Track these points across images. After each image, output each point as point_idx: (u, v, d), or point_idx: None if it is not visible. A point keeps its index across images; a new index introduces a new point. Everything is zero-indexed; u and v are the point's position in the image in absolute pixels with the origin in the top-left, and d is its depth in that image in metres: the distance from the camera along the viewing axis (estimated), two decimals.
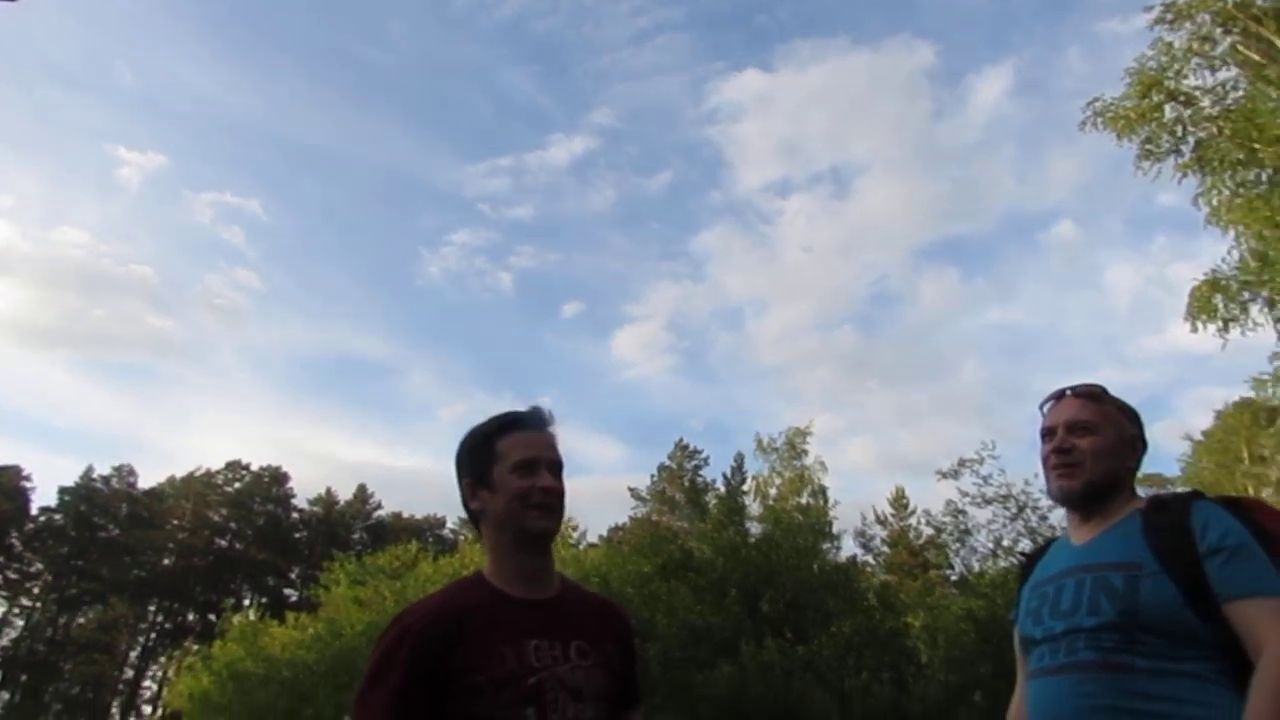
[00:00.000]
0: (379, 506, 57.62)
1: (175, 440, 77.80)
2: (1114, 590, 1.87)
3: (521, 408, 2.13)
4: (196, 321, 76.10)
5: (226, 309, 75.34)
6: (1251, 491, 21.88)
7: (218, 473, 54.50)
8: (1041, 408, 2.24)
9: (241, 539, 53.42)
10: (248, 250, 78.95)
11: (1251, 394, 13.70)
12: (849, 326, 69.75)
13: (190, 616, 50.73)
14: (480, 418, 2.16)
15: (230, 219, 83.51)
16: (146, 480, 53.94)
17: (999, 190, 68.34)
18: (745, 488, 18.37)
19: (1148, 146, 13.11)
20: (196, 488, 52.92)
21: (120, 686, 47.52)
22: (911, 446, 60.32)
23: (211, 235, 76.95)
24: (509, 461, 2.03)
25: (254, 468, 55.31)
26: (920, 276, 70.10)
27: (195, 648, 22.95)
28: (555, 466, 2.08)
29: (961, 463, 15.58)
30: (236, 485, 54.74)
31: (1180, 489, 2.23)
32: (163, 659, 46.57)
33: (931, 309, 68.53)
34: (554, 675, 1.91)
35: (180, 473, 54.59)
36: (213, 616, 46.48)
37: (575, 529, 24.49)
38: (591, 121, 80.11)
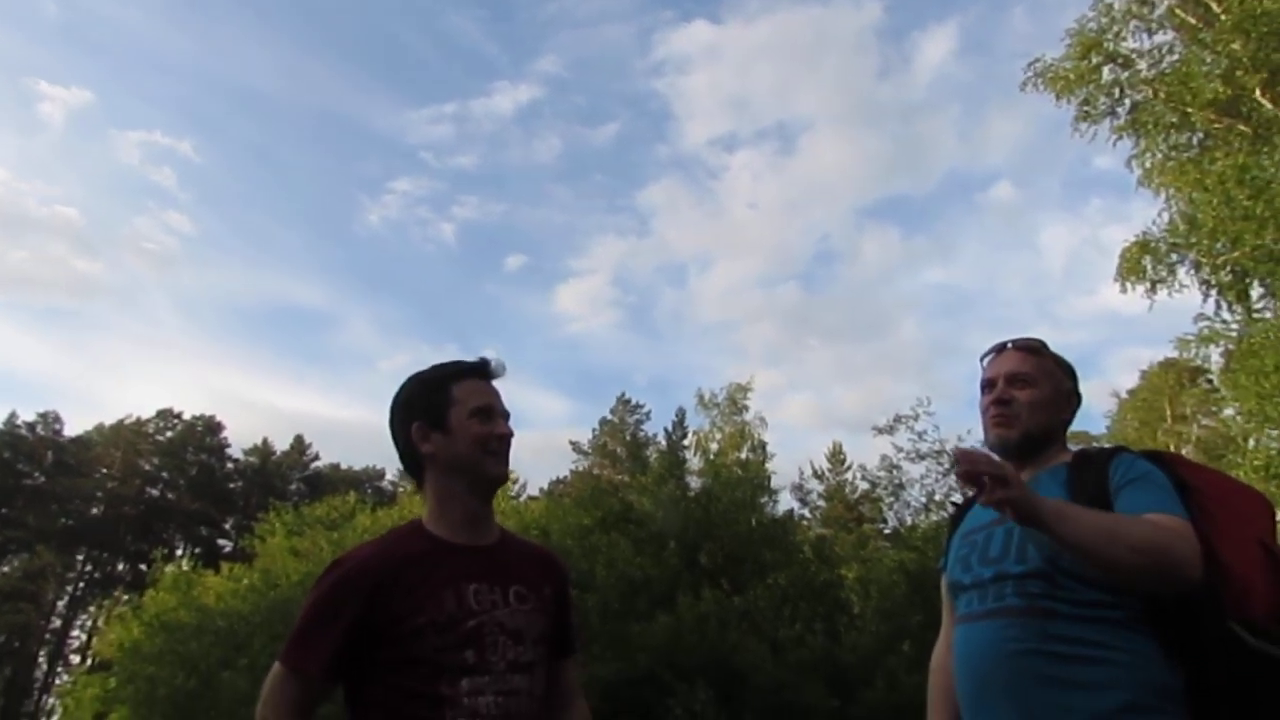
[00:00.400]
0: (316, 457, 56.95)
1: (104, 387, 75.65)
2: (1040, 538, 1.92)
3: (469, 359, 2.14)
4: (125, 265, 73.61)
5: (157, 253, 72.97)
6: (1173, 448, 22.71)
7: (148, 421, 53.26)
8: (982, 360, 2.27)
9: (174, 488, 52.43)
10: (179, 193, 76.37)
11: (1176, 354, 14.14)
12: (793, 284, 70.24)
13: (120, 566, 49.84)
14: (423, 368, 2.16)
15: (160, 160, 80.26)
16: (74, 428, 52.54)
17: (941, 150, 69.02)
18: (686, 442, 18.53)
19: (1085, 108, 13.32)
20: (126, 436, 51.70)
21: (47, 636, 46.63)
22: (850, 403, 61.35)
23: (140, 176, 74.16)
24: (467, 406, 2.04)
25: (186, 416, 54.18)
26: (863, 235, 70.74)
27: (125, 597, 22.61)
28: (507, 416, 2.11)
29: (897, 419, 15.92)
30: (168, 434, 53.58)
31: (1106, 445, 2.30)
32: (92, 608, 45.73)
33: (873, 267, 69.32)
34: (493, 619, 1.93)
35: (109, 421, 53.26)
36: (144, 566, 45.69)
37: (515, 481, 24.51)
38: (537, 70, 78.66)
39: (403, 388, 2.13)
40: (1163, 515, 1.81)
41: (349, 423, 74.59)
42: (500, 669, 1.90)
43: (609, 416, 35.79)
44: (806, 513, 20.84)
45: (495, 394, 2.11)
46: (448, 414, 2.03)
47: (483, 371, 2.12)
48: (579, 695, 2.24)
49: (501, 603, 1.96)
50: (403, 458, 2.11)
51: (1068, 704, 1.79)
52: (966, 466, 1.73)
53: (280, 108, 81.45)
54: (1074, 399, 2.22)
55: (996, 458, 1.80)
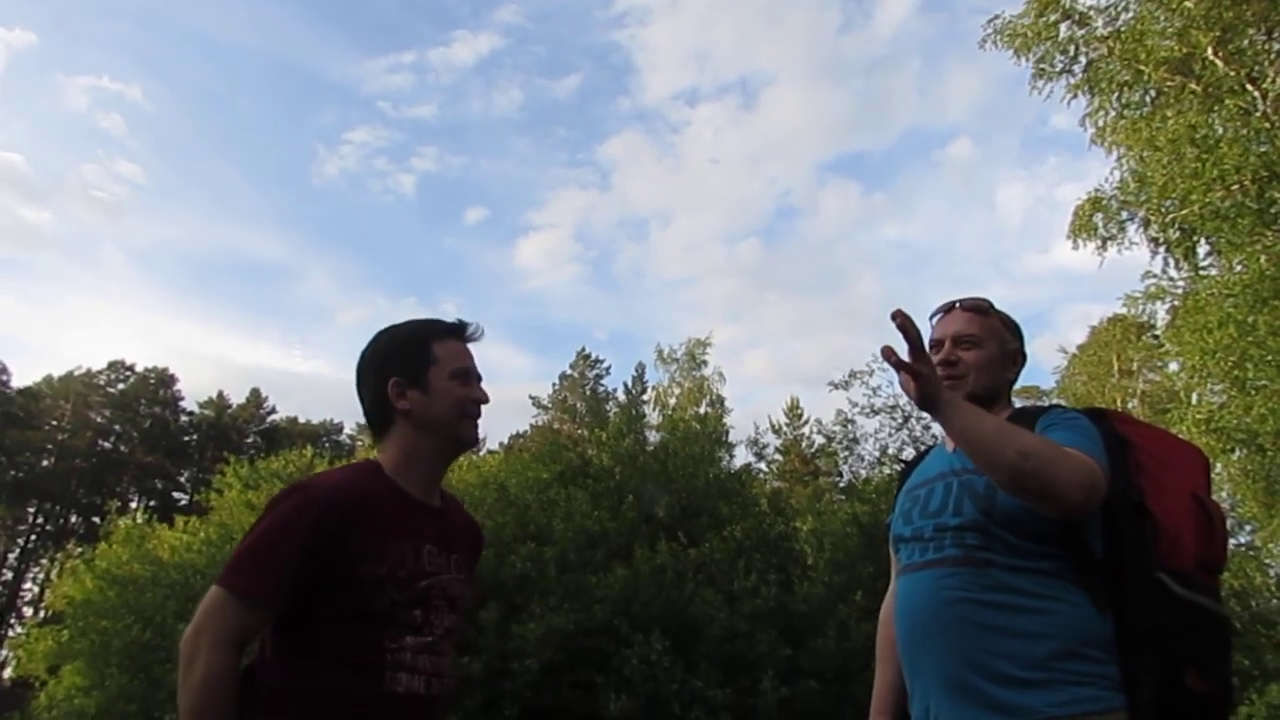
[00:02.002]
0: (273, 411, 56.36)
1: (53, 339, 74.05)
2: (976, 492, 1.97)
3: (447, 319, 2.12)
4: (74, 214, 71.78)
5: (107, 202, 71.17)
6: (1119, 402, 23.24)
7: (100, 373, 52.29)
8: (931, 319, 2.31)
9: (126, 441, 51.69)
10: (129, 140, 74.36)
11: (1124, 310, 14.43)
12: (754, 239, 70.25)
13: (73, 519, 49.19)
14: (381, 323, 2.14)
15: (109, 106, 77.81)
16: (22, 379, 51.43)
17: (902, 106, 68.98)
18: (645, 397, 18.64)
19: (1041, 65, 13.39)
20: (76, 388, 50.71)
21: None
22: (809, 358, 61.84)
23: (88, 123, 72.03)
24: (448, 367, 2.03)
25: (139, 369, 53.30)
26: (823, 190, 70.79)
27: (78, 550, 22.31)
28: (481, 380, 2.11)
29: (852, 374, 16.17)
30: (120, 386, 52.67)
31: (1053, 401, 2.35)
32: (44, 561, 45.19)
33: (833, 223, 69.51)
34: (440, 583, 1.94)
35: (59, 372, 52.20)
36: (96, 519, 45.16)
37: None
38: (497, 20, 77.07)
39: (379, 340, 2.09)
40: (1073, 449, 1.85)
41: (306, 376, 74.02)
42: (439, 634, 1.92)
43: (569, 371, 35.77)
44: (763, 466, 21.08)
45: (473, 357, 2.11)
46: (428, 372, 2.01)
47: (462, 333, 2.11)
48: None
49: (449, 567, 1.98)
50: (369, 411, 2.06)
51: (1003, 649, 1.84)
52: (888, 356, 1.81)
53: (234, 54, 79.33)
54: (1019, 358, 2.27)
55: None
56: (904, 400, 15.58)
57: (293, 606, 1.80)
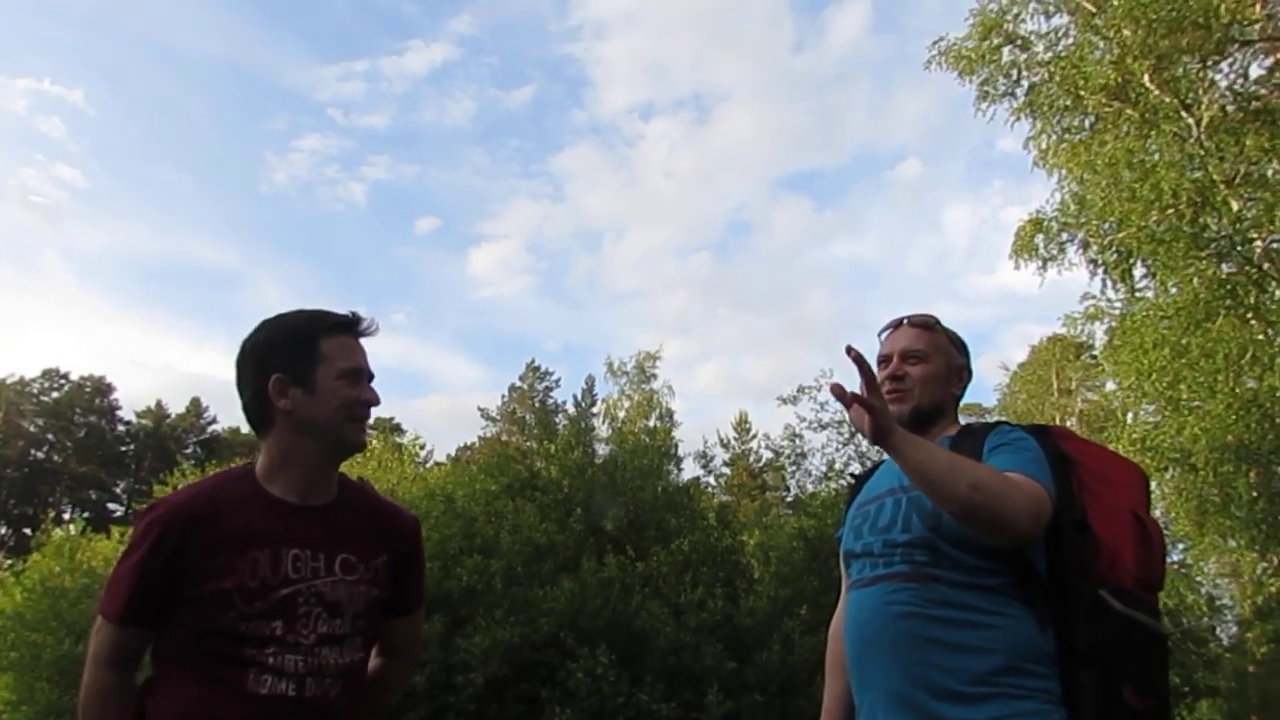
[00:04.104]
0: (214, 421, 55.14)
1: None
2: (924, 509, 1.98)
3: (339, 311, 1.98)
4: (12, 219, 69.66)
5: (47, 207, 69.29)
6: (1058, 420, 23.70)
7: (32, 381, 50.85)
8: (880, 335, 2.33)
9: (60, 451, 50.27)
10: (69, 144, 72.46)
11: (1063, 331, 14.74)
12: (706, 253, 70.44)
13: (2, 530, 47.67)
14: (285, 311, 1.99)
15: (49, 109, 75.86)
16: None
17: (853, 125, 69.80)
18: (595, 410, 18.59)
19: (985, 88, 13.62)
20: (8, 396, 49.20)
21: None
22: (760, 372, 62.03)
23: (27, 126, 70.11)
24: (336, 366, 1.89)
25: (74, 377, 51.91)
26: (776, 206, 71.29)
27: (8, 562, 21.64)
28: (372, 379, 1.97)
29: (800, 390, 16.28)
30: (54, 394, 51.25)
31: (995, 418, 2.40)
32: None
33: (784, 239, 69.97)
34: (311, 588, 1.82)
35: None
36: (27, 530, 43.81)
37: (423, 447, 24.24)
38: (452, 29, 76.64)
39: (262, 331, 1.94)
40: (1020, 474, 1.87)
41: None
42: (309, 643, 1.80)
43: (518, 383, 35.60)
44: (711, 480, 21.16)
45: (365, 355, 1.96)
46: (314, 371, 1.87)
47: (354, 328, 1.96)
48: (400, 652, 2.15)
49: (324, 571, 1.84)
50: (248, 407, 1.93)
51: (948, 664, 1.85)
52: (839, 394, 1.84)
53: (182, 58, 77.72)
54: (965, 373, 2.29)
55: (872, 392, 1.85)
56: (849, 417, 15.73)
57: (160, 622, 1.80)
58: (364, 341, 1.98)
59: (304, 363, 1.88)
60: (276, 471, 1.90)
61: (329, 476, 1.95)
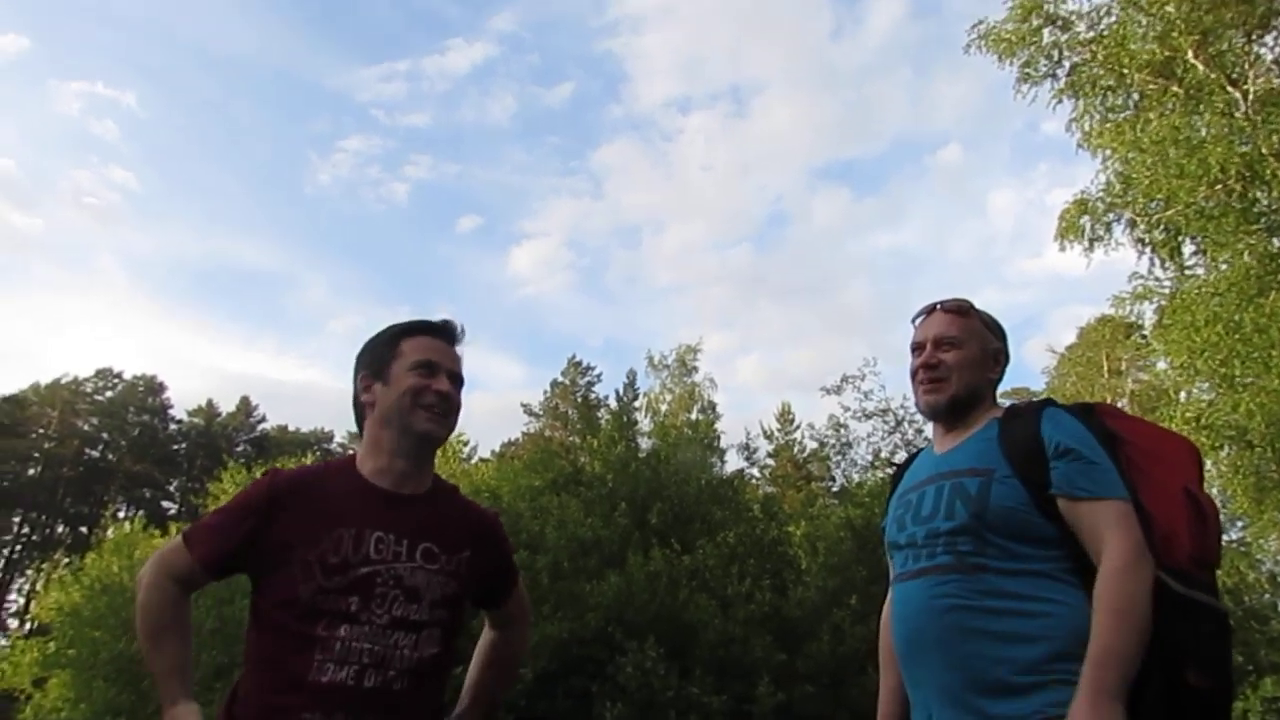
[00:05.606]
0: (264, 419, 56.13)
1: (41, 346, 73.51)
2: (968, 494, 1.97)
3: (434, 319, 2.14)
4: (66, 221, 71.33)
5: (100, 209, 70.77)
6: (1109, 401, 23.30)
7: (86, 380, 52.00)
8: (914, 321, 2.31)
9: (114, 450, 51.38)
10: (122, 147, 73.99)
11: (1112, 311, 14.49)
12: (745, 245, 70.24)
13: (60, 529, 48.82)
14: (375, 331, 2.17)
15: (102, 112, 77.30)
16: (7, 386, 51.13)
17: (892, 112, 69.15)
18: (637, 404, 18.63)
19: (1026, 70, 13.39)
20: (63, 395, 50.37)
21: None
22: (801, 364, 61.88)
23: (81, 128, 71.63)
24: (409, 360, 2.03)
25: (127, 376, 53.00)
26: (814, 197, 70.89)
27: (65, 560, 22.14)
28: (454, 377, 2.08)
29: (844, 379, 16.16)
30: (108, 394, 52.38)
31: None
32: (29, 572, 44.79)
33: (824, 229, 69.60)
34: (391, 570, 1.90)
35: (46, 379, 51.83)
36: (84, 529, 44.93)
37: (467, 444, 24.45)
38: (492, 28, 77.05)
39: (366, 341, 2.15)
40: (1103, 516, 1.86)
41: (299, 384, 73.74)
42: (382, 623, 1.86)
43: (560, 379, 35.75)
44: (755, 471, 21.09)
45: (445, 352, 2.09)
46: (390, 366, 2.04)
47: (438, 330, 2.11)
48: (516, 620, 2.33)
49: (405, 556, 1.93)
50: (353, 408, 2.12)
51: (998, 655, 1.84)
52: None
53: (229, 61, 79.06)
54: (1002, 357, 2.26)
55: None
56: (896, 404, 15.57)
57: (253, 591, 1.93)
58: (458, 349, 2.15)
59: (384, 359, 2.06)
60: (367, 460, 2.04)
61: (418, 469, 2.07)
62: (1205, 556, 1.91)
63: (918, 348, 2.23)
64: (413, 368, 2.02)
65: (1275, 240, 11.22)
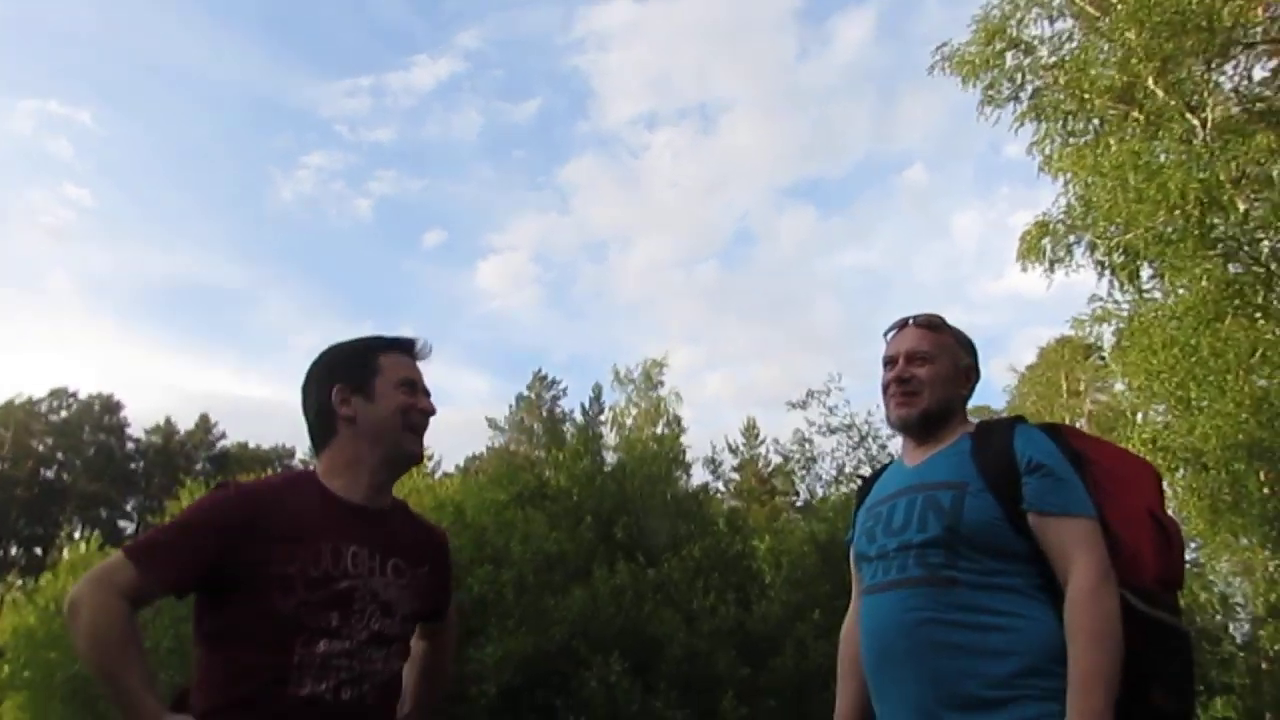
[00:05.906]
0: (223, 436, 55.17)
1: None
2: (941, 507, 1.97)
3: (396, 335, 2.13)
4: (18, 239, 69.89)
5: (54, 226, 69.29)
6: (1068, 421, 23.63)
7: (41, 400, 50.93)
8: (885, 336, 2.32)
9: (70, 470, 50.35)
10: (77, 164, 72.58)
11: (1072, 333, 14.72)
12: (712, 262, 70.32)
13: (14, 550, 47.71)
14: (346, 339, 2.15)
15: (56, 129, 75.96)
16: None
17: (858, 133, 69.74)
18: (602, 418, 18.60)
19: (989, 93, 13.61)
20: (17, 416, 49.28)
21: None
22: (767, 380, 61.82)
23: (34, 147, 70.21)
24: (394, 377, 2.01)
25: (83, 395, 52.00)
26: (781, 215, 71.16)
27: (19, 582, 21.69)
28: (429, 395, 2.09)
29: (810, 394, 16.23)
30: (63, 413, 51.35)
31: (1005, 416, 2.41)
32: None
33: (790, 248, 69.85)
34: (368, 585, 1.89)
35: None
36: (39, 550, 43.94)
37: (431, 458, 24.25)
38: (457, 44, 76.86)
39: (324, 353, 2.08)
40: (1071, 534, 1.89)
41: (260, 401, 72.36)
42: (362, 638, 1.85)
43: (525, 393, 35.58)
44: (720, 485, 21.11)
45: (419, 371, 2.10)
46: (373, 381, 2.00)
47: (409, 348, 2.10)
48: (442, 649, 2.32)
49: (379, 571, 1.92)
50: (313, 420, 2.04)
51: (970, 670, 1.85)
52: None
53: (187, 77, 77.61)
54: (973, 373, 2.28)
55: None
56: (860, 419, 15.69)
57: (207, 609, 1.84)
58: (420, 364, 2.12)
59: (363, 374, 2.01)
60: (336, 475, 1.98)
61: (389, 485, 2.06)
62: (1170, 577, 1.95)
63: (890, 362, 2.24)
64: (399, 385, 2.01)
65: (1232, 266, 11.45)
